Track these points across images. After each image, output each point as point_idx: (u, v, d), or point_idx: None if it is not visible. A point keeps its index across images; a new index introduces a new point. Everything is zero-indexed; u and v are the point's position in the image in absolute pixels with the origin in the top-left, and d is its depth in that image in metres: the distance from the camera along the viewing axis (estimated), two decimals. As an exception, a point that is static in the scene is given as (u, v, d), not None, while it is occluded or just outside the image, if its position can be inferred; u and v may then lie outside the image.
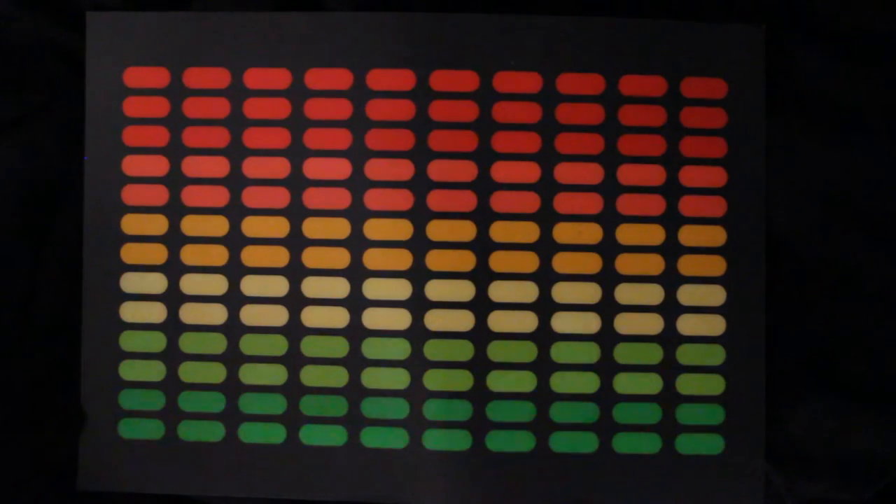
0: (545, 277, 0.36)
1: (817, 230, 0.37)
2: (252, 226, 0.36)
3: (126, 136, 0.37)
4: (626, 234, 0.36)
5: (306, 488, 0.36)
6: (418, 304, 0.36)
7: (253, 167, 0.36)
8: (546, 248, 0.36)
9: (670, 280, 0.36)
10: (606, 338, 0.36)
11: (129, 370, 0.36)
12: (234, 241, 0.36)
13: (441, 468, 0.36)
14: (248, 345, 0.36)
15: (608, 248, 0.36)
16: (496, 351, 0.36)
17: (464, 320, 0.36)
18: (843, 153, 0.37)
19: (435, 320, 0.36)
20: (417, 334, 0.36)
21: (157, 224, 0.36)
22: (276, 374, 0.36)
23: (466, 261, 0.36)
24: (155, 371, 0.36)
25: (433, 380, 0.36)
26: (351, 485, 0.36)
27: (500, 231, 0.36)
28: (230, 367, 0.36)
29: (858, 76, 0.37)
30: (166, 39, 0.36)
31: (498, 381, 0.36)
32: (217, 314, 0.36)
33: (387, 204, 0.36)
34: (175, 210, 0.37)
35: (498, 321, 0.36)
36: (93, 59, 0.37)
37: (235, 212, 0.36)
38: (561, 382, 0.36)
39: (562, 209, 0.36)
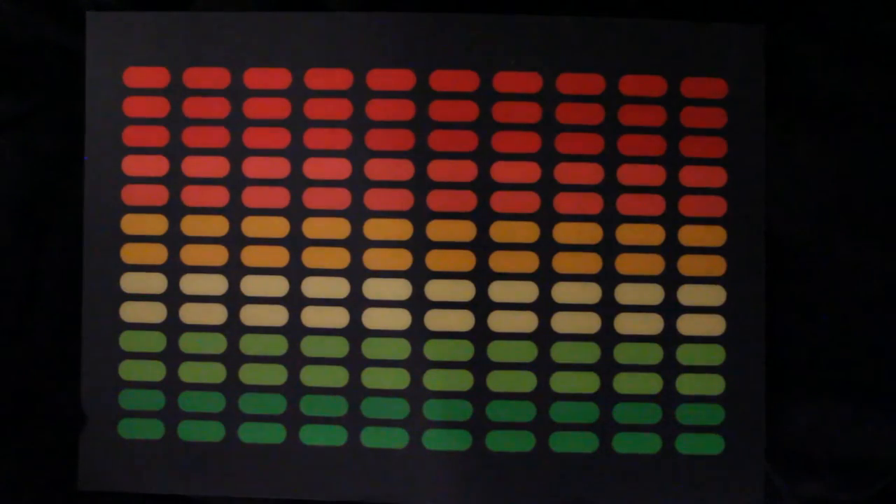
0: (545, 277, 0.36)
1: (817, 230, 0.37)
2: (252, 226, 0.36)
3: (126, 136, 0.37)
4: (626, 234, 0.36)
5: (306, 488, 0.36)
6: (418, 304, 0.36)
7: (253, 167, 0.36)
8: (546, 248, 0.36)
9: (670, 280, 0.36)
10: (606, 338, 0.36)
11: (129, 370, 0.36)
12: (234, 241, 0.36)
13: (441, 468, 0.36)
14: (248, 345, 0.36)
15: (608, 248, 0.36)
16: (496, 351, 0.36)
17: (464, 320, 0.36)
18: (843, 153, 0.37)
19: (435, 320, 0.36)
20: (417, 334, 0.36)
21: (157, 224, 0.36)
22: (276, 374, 0.36)
23: (466, 261, 0.36)
24: (155, 371, 0.36)
25: (433, 380, 0.36)
26: (351, 485, 0.36)
27: (500, 231, 0.36)
28: (230, 367, 0.36)
29: (858, 76, 0.37)
30: (166, 39, 0.36)
31: (498, 381, 0.36)
32: (217, 314, 0.36)
33: (387, 204, 0.36)
34: (175, 210, 0.37)
35: (498, 321, 0.36)
36: (93, 59, 0.37)
37: (235, 212, 0.36)
38: (561, 382, 0.36)
39: (562, 209, 0.36)
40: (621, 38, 0.36)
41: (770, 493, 0.36)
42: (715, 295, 0.36)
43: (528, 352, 0.36)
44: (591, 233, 0.36)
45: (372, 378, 0.36)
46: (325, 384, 0.36)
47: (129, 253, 0.36)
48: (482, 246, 0.36)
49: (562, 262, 0.36)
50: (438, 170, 0.36)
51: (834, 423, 0.36)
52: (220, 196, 0.36)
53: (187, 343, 0.36)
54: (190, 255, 0.36)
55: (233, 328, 0.36)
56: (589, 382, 0.36)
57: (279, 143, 0.36)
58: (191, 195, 0.37)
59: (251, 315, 0.36)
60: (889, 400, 0.36)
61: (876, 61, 0.37)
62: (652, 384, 0.36)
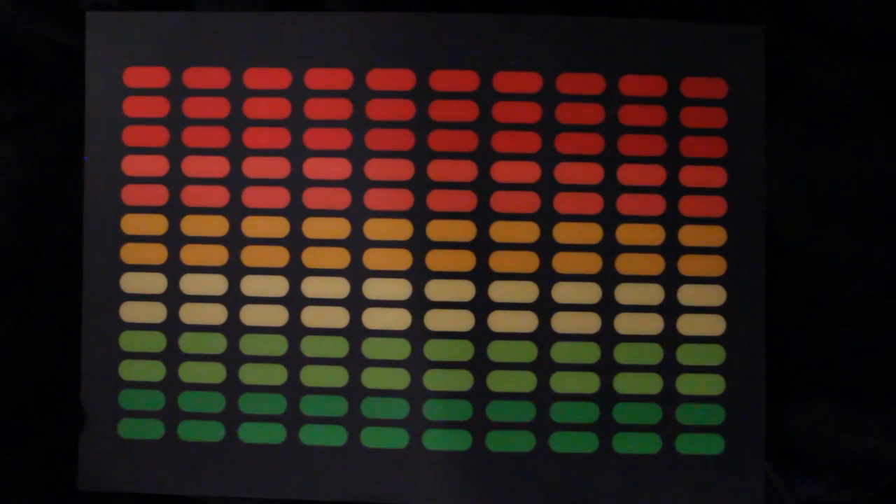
0: (545, 277, 0.36)
1: (817, 230, 0.37)
2: (252, 226, 0.36)
3: (126, 136, 0.37)
4: (626, 234, 0.36)
5: (306, 488, 0.36)
6: (418, 304, 0.36)
7: (253, 167, 0.36)
8: (546, 248, 0.36)
9: (670, 280, 0.36)
10: (606, 338, 0.36)
11: (129, 370, 0.36)
12: (234, 241, 0.36)
13: (441, 468, 0.36)
14: (248, 345, 0.36)
15: (608, 248, 0.36)
16: (496, 351, 0.36)
17: (464, 320, 0.36)
18: (843, 153, 0.37)
19: (435, 320, 0.36)
20: (417, 334, 0.36)
21: (157, 224, 0.37)
22: (276, 374, 0.36)
23: (466, 261, 0.36)
24: (155, 371, 0.36)
25: (433, 380, 0.36)
26: (351, 485, 0.36)
27: (500, 231, 0.36)
28: (230, 367, 0.36)
29: (859, 76, 0.37)
30: (166, 39, 0.36)
31: (498, 381, 0.36)
32: (217, 314, 0.36)
33: (387, 204, 0.36)
34: (175, 210, 0.37)
35: (498, 321, 0.36)
36: (93, 59, 0.37)
37: (235, 212, 0.36)
38: (561, 382, 0.36)
39: (562, 209, 0.36)
40: (621, 38, 0.36)
41: (770, 493, 0.36)
42: (715, 295, 0.36)
43: (528, 352, 0.36)
44: (591, 233, 0.36)
45: (372, 378, 0.36)
46: (325, 384, 0.36)
47: (129, 253, 0.36)
48: (482, 246, 0.36)
49: (562, 262, 0.36)
50: (438, 170, 0.36)
51: (834, 423, 0.36)
52: (220, 196, 0.37)
53: (187, 343, 0.36)
54: (190, 255, 0.36)
55: (233, 328, 0.36)
56: (589, 382, 0.36)
57: (279, 143, 0.36)
58: (191, 195, 0.37)
59: (251, 315, 0.36)
60: (889, 400, 0.36)
61: (876, 61, 0.37)
62: (652, 384, 0.36)
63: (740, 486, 0.36)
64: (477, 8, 0.37)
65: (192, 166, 0.37)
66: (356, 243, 0.36)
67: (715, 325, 0.36)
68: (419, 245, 0.36)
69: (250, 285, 0.36)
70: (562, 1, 0.37)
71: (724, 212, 0.36)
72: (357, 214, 0.36)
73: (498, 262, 0.36)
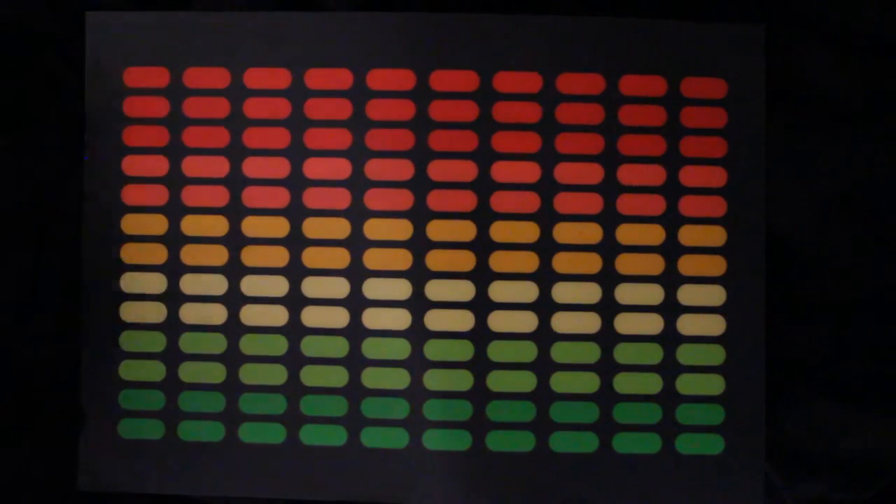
0: (545, 277, 0.36)
1: (817, 230, 0.37)
2: (252, 226, 0.36)
3: (126, 136, 0.37)
4: (626, 234, 0.36)
5: (306, 488, 0.36)
6: (418, 304, 0.36)
7: (253, 167, 0.36)
8: (546, 248, 0.36)
9: (670, 280, 0.36)
10: (606, 338, 0.36)
11: (129, 370, 0.36)
12: (234, 241, 0.36)
13: (441, 468, 0.36)
14: (248, 345, 0.36)
15: (608, 248, 0.36)
16: (496, 351, 0.36)
17: (464, 320, 0.36)
18: (843, 153, 0.37)
19: (435, 320, 0.36)
20: (417, 334, 0.36)
21: (157, 224, 0.37)
22: (276, 374, 0.36)
23: (466, 261, 0.36)
24: (155, 371, 0.36)
25: (433, 380, 0.36)
26: (351, 485, 0.36)
27: (500, 231, 0.36)
28: (230, 367, 0.36)
29: (859, 76, 0.37)
30: (166, 39, 0.36)
31: (498, 381, 0.36)
32: (217, 314, 0.36)
33: (387, 204, 0.36)
34: (175, 210, 0.37)
35: (498, 321, 0.36)
36: (93, 59, 0.37)
37: (235, 212, 0.36)
38: (561, 382, 0.36)
39: (562, 209, 0.36)
40: (621, 38, 0.36)
41: (770, 493, 0.36)
42: (715, 295, 0.36)
43: (528, 352, 0.36)
44: (591, 233, 0.36)
45: (372, 378, 0.36)
46: (325, 384, 0.36)
47: (129, 253, 0.36)
48: (482, 246, 0.36)
49: (562, 262, 0.36)
50: (438, 170, 0.36)
51: (834, 423, 0.36)
52: (220, 196, 0.37)
53: (187, 343, 0.36)
54: (190, 255, 0.36)
55: (233, 328, 0.36)
56: (589, 382, 0.36)
57: (279, 143, 0.36)
58: (191, 195, 0.37)
59: (251, 315, 0.36)
60: (889, 400, 0.36)
61: (876, 61, 0.37)
62: (652, 384, 0.36)
63: (740, 486, 0.36)
64: (477, 8, 0.37)
65: (192, 166, 0.37)
66: (356, 243, 0.36)
67: (715, 325, 0.36)
68: (419, 245, 0.36)
69: (250, 285, 0.36)
70: (562, 1, 0.37)
71: (724, 212, 0.36)
72: (357, 214, 0.36)
73: (498, 262, 0.36)
